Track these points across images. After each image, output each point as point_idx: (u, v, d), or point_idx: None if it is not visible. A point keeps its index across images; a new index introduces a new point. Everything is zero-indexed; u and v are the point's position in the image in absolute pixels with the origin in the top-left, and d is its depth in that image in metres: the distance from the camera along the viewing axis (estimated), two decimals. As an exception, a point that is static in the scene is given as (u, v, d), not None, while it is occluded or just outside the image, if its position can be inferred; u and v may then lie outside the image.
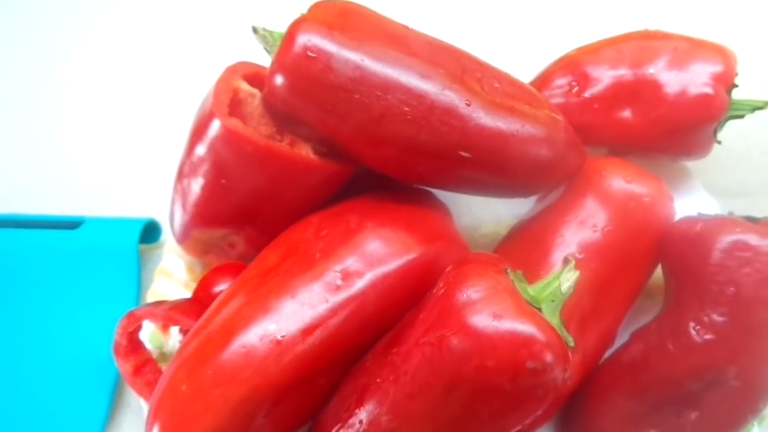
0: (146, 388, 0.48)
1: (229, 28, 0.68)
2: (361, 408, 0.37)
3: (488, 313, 0.34)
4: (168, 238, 0.56)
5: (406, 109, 0.39)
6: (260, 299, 0.38)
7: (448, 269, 0.37)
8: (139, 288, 0.56)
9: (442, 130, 0.40)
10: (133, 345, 0.48)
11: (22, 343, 0.55)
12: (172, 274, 0.54)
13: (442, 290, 0.36)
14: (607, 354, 0.44)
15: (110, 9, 0.72)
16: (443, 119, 0.40)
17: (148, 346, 0.50)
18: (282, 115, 0.42)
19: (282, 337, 0.37)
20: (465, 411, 0.35)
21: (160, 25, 0.71)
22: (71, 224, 0.58)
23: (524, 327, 0.34)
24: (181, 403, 0.36)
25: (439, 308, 0.35)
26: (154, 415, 0.36)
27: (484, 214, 0.54)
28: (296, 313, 0.37)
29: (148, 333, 0.50)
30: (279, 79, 0.40)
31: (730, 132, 0.51)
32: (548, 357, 0.34)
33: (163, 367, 0.49)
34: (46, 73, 0.71)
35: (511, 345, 0.33)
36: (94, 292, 0.56)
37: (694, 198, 0.51)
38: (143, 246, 0.58)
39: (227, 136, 0.41)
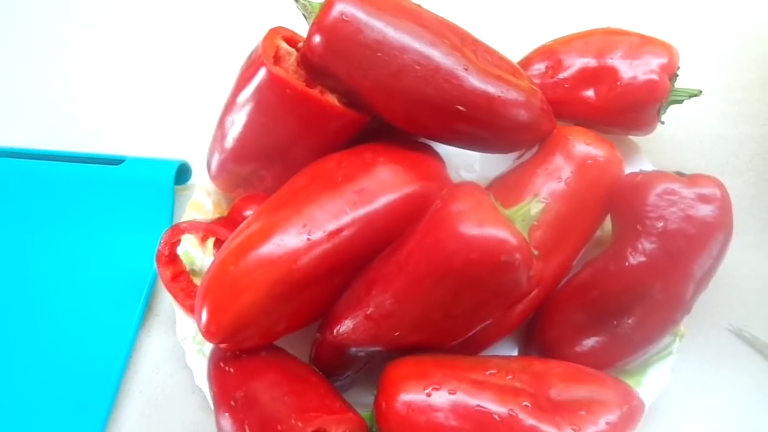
0: (181, 293, 0.57)
1: None
2: (370, 296, 0.47)
3: (474, 221, 0.44)
4: (197, 181, 0.66)
5: (417, 67, 0.49)
6: (294, 207, 0.48)
7: (443, 192, 0.47)
8: (173, 220, 0.65)
9: (444, 87, 0.50)
10: (172, 256, 0.57)
11: (63, 265, 0.64)
12: (203, 206, 0.63)
13: (439, 205, 0.46)
14: (563, 282, 0.55)
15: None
16: (446, 78, 0.50)
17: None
18: (316, 68, 0.51)
19: (311, 235, 0.46)
20: (452, 296, 0.45)
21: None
22: (114, 161, 0.67)
23: (501, 232, 0.44)
24: (229, 279, 0.45)
25: (436, 218, 0.45)
26: (207, 289, 0.46)
27: (468, 175, 0.65)
28: (323, 219, 0.47)
29: (183, 251, 0.60)
30: (317, 38, 0.50)
31: (673, 120, 0.62)
32: (518, 255, 0.44)
33: (195, 280, 0.59)
34: (91, 26, 0.80)
35: (491, 243, 0.43)
36: (133, 221, 0.65)
37: (643, 169, 0.62)
38: (175, 186, 0.67)
39: (272, 81, 0.51)
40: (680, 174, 0.51)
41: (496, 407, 0.44)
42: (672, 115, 0.61)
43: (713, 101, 0.69)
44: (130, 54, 0.78)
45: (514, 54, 0.62)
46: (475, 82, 0.51)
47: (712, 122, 0.68)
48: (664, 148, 0.67)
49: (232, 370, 0.46)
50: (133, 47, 0.78)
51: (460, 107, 0.51)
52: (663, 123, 0.60)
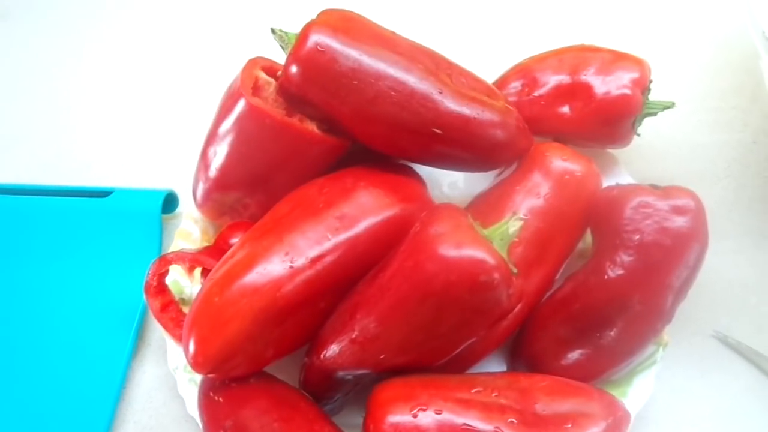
0: (171, 323, 0.57)
1: (242, 27, 0.81)
2: (354, 320, 0.47)
3: (452, 243, 0.45)
4: (184, 209, 0.67)
5: (393, 93, 0.50)
6: (276, 235, 0.49)
7: (423, 214, 0.48)
8: (161, 248, 0.66)
9: (420, 111, 0.51)
10: (161, 286, 0.57)
11: (55, 298, 0.64)
12: (191, 234, 0.63)
13: (418, 228, 0.47)
14: (546, 297, 0.56)
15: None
16: (421, 102, 0.51)
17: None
18: (294, 97, 0.53)
19: (294, 262, 0.47)
20: (434, 317, 0.45)
21: (185, 21, 0.83)
22: (102, 194, 0.67)
23: (478, 252, 0.44)
24: (214, 310, 0.46)
25: (416, 241, 0.46)
26: (193, 321, 0.46)
27: (452, 192, 0.66)
28: (305, 246, 0.48)
29: (171, 281, 0.60)
30: (294, 69, 0.51)
31: (650, 130, 0.64)
32: (496, 275, 0.44)
33: (184, 309, 0.59)
34: (78, 59, 0.82)
35: (469, 264, 0.44)
36: (122, 252, 0.65)
37: (621, 181, 0.63)
38: (163, 215, 0.68)
39: (251, 112, 0.52)
40: (655, 186, 0.52)
41: (482, 425, 0.45)
42: (649, 125, 0.62)
43: (690, 109, 0.70)
44: (115, 87, 0.79)
45: (491, 73, 0.64)
46: (450, 104, 0.52)
47: (689, 130, 0.70)
48: (643, 157, 0.68)
49: (221, 399, 0.47)
50: (118, 80, 0.79)
51: (437, 130, 0.52)
52: (639, 135, 0.61)
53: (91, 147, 0.75)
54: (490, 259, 0.44)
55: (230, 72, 0.57)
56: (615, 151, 0.64)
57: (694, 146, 0.69)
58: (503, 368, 0.57)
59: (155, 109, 0.77)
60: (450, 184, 0.65)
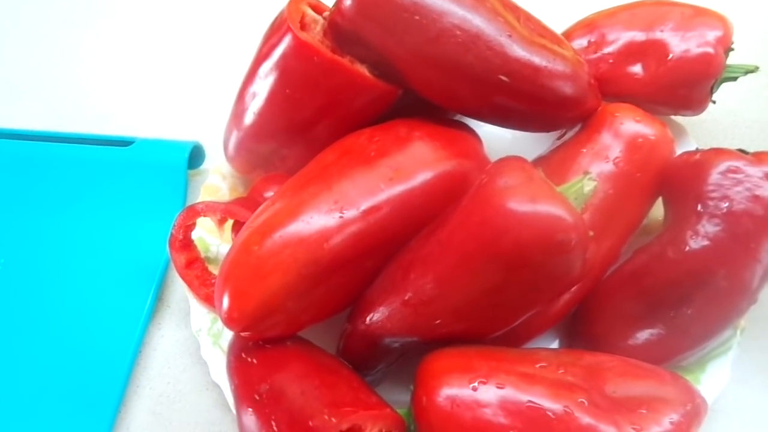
0: (196, 281, 0.53)
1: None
2: (408, 280, 0.42)
3: (525, 196, 0.40)
4: (211, 165, 0.62)
5: (458, 32, 0.45)
6: (324, 182, 0.44)
7: (489, 166, 0.43)
8: (186, 204, 0.61)
9: (486, 54, 0.46)
10: (186, 240, 0.53)
11: (69, 252, 0.60)
12: (219, 190, 0.59)
13: (485, 179, 0.42)
14: (612, 270, 0.51)
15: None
16: (488, 45, 0.46)
17: (197, 248, 0.55)
18: (345, 35, 0.48)
19: (344, 212, 0.42)
20: (501, 280, 0.40)
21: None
22: (123, 143, 0.63)
23: (555, 208, 0.39)
24: (254, 260, 0.41)
25: (482, 194, 0.41)
26: (229, 272, 0.41)
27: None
28: (356, 195, 0.43)
29: (197, 237, 0.55)
30: (348, 0, 0.46)
31: (719, 103, 0.58)
32: (574, 235, 0.39)
33: (211, 268, 0.54)
34: (98, 2, 0.76)
35: (544, 221, 0.39)
36: (143, 206, 0.61)
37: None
38: (188, 171, 0.63)
39: (298, 48, 0.47)
40: (743, 152, 0.47)
41: (549, 403, 0.39)
42: (717, 97, 0.56)
43: (762, 83, 0.65)
44: (140, 29, 0.74)
45: (553, 28, 0.58)
46: (519, 50, 0.47)
47: (761, 106, 0.64)
48: (708, 133, 0.63)
49: (255, 361, 0.42)
50: (143, 21, 0.74)
51: (504, 78, 0.47)
52: (714, 102, 0.55)
53: (112, 95, 0.70)
54: (568, 217, 0.39)
55: (270, 11, 0.52)
56: (681, 122, 0.59)
57: (765, 124, 0.64)
58: (556, 347, 0.52)
59: (183, 54, 0.72)
60: (496, 151, 0.60)
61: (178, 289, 0.58)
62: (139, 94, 0.69)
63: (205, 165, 0.64)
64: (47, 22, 0.76)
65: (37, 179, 0.62)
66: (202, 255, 0.55)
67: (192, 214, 0.51)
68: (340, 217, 0.42)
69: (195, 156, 0.63)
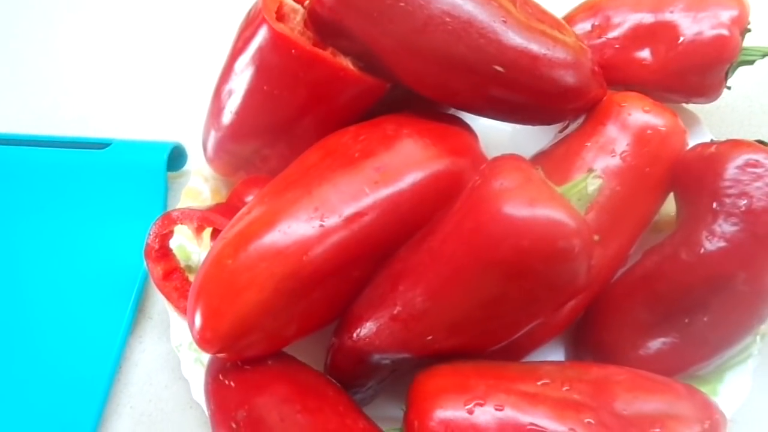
0: (174, 293, 0.49)
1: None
2: (396, 292, 0.39)
3: (523, 200, 0.36)
4: (192, 166, 0.59)
5: (448, 19, 0.41)
6: (304, 188, 0.40)
7: (483, 166, 0.40)
8: (166, 210, 0.58)
9: (479, 43, 0.42)
10: (163, 250, 0.50)
11: (44, 260, 0.56)
12: (200, 194, 0.55)
13: (478, 181, 0.38)
14: (620, 273, 0.47)
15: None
16: (481, 32, 0.42)
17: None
18: (326, 25, 0.44)
19: (325, 220, 0.39)
20: (498, 291, 0.37)
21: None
22: (100, 145, 0.59)
23: (556, 213, 0.36)
24: (227, 275, 0.38)
25: (476, 197, 0.38)
26: (201, 288, 0.38)
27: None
28: (338, 201, 0.39)
29: (176, 245, 0.52)
30: (328, -12, 0.42)
31: (735, 89, 0.54)
32: (577, 241, 0.36)
33: (191, 277, 0.51)
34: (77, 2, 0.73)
35: (545, 227, 0.36)
36: (121, 211, 0.57)
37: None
38: (168, 173, 0.60)
39: (275, 41, 0.43)
40: (762, 143, 0.43)
41: (553, 425, 0.36)
42: (732, 82, 0.52)
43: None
44: (115, 27, 0.70)
45: (554, 12, 0.54)
46: (516, 37, 0.43)
47: (781, 91, 0.60)
48: (723, 121, 0.59)
49: (233, 384, 0.39)
50: (119, 18, 0.71)
51: (498, 68, 0.43)
52: (729, 88, 0.51)
53: (89, 96, 0.67)
54: (571, 222, 0.36)
55: (248, 3, 0.48)
56: (694, 110, 0.55)
57: (784, 111, 0.60)
58: (561, 358, 0.49)
59: (160, 53, 0.69)
60: (494, 146, 0.56)
61: (160, 299, 0.55)
62: (117, 93, 0.66)
63: (187, 166, 0.61)
64: (20, 21, 0.73)
65: (10, 185, 0.59)
66: (183, 264, 0.51)
67: (167, 222, 0.48)
68: (321, 225, 0.38)
69: (176, 157, 0.59)
